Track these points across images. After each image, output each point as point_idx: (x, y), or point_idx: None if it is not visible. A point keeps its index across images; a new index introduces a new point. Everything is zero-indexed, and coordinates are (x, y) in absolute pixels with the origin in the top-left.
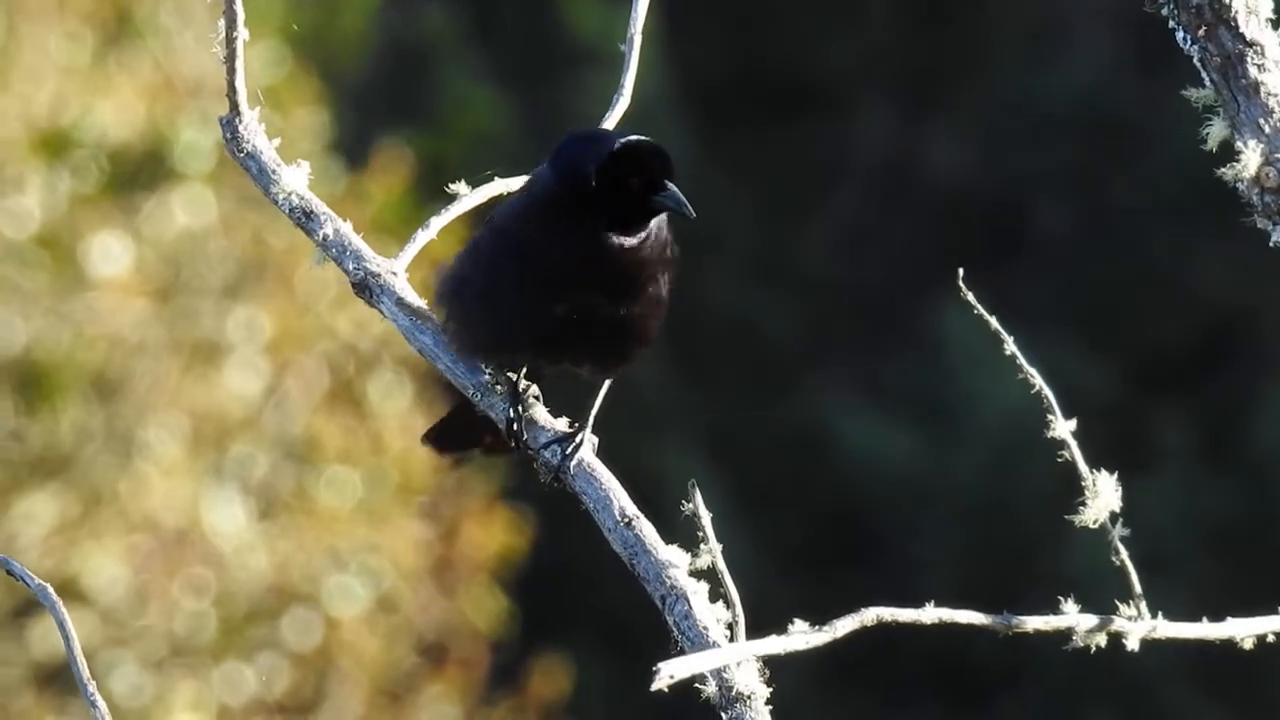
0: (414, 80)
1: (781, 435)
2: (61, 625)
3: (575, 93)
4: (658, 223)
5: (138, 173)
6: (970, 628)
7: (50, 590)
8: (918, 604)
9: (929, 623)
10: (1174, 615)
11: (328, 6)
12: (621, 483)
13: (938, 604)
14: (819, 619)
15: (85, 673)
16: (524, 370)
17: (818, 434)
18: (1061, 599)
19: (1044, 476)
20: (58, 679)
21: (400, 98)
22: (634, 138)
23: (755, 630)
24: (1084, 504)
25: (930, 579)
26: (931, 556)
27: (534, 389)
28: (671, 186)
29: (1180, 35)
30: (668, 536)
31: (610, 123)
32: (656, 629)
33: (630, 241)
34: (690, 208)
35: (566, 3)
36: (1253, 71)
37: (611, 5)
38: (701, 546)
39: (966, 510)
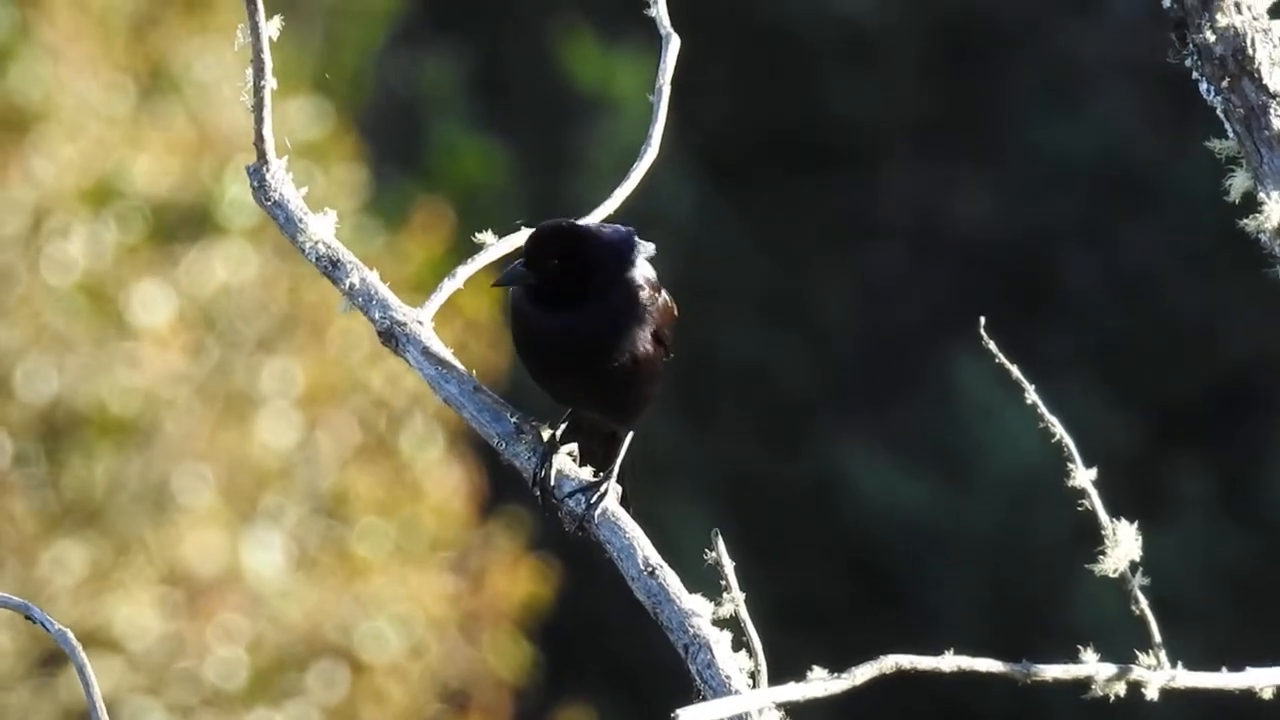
0: (412, 127)
1: (796, 484)
2: (81, 670)
3: (575, 142)
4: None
5: (181, 225)
6: (988, 676)
7: (70, 635)
8: (932, 652)
9: (948, 670)
10: (1191, 665)
11: (331, 44)
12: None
13: (953, 652)
14: (834, 668)
15: (104, 718)
16: (566, 416)
17: (833, 483)
18: (1081, 648)
19: (1059, 526)
20: None
21: (398, 145)
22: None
23: (775, 680)
24: (1103, 553)
25: (945, 627)
26: (946, 605)
27: (557, 433)
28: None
29: (1204, 86)
30: (686, 586)
31: (638, 173)
32: (680, 678)
33: (565, 318)
34: (500, 279)
35: (567, 53)
36: (1276, 123)
37: (611, 54)
38: (724, 595)
39: (981, 559)
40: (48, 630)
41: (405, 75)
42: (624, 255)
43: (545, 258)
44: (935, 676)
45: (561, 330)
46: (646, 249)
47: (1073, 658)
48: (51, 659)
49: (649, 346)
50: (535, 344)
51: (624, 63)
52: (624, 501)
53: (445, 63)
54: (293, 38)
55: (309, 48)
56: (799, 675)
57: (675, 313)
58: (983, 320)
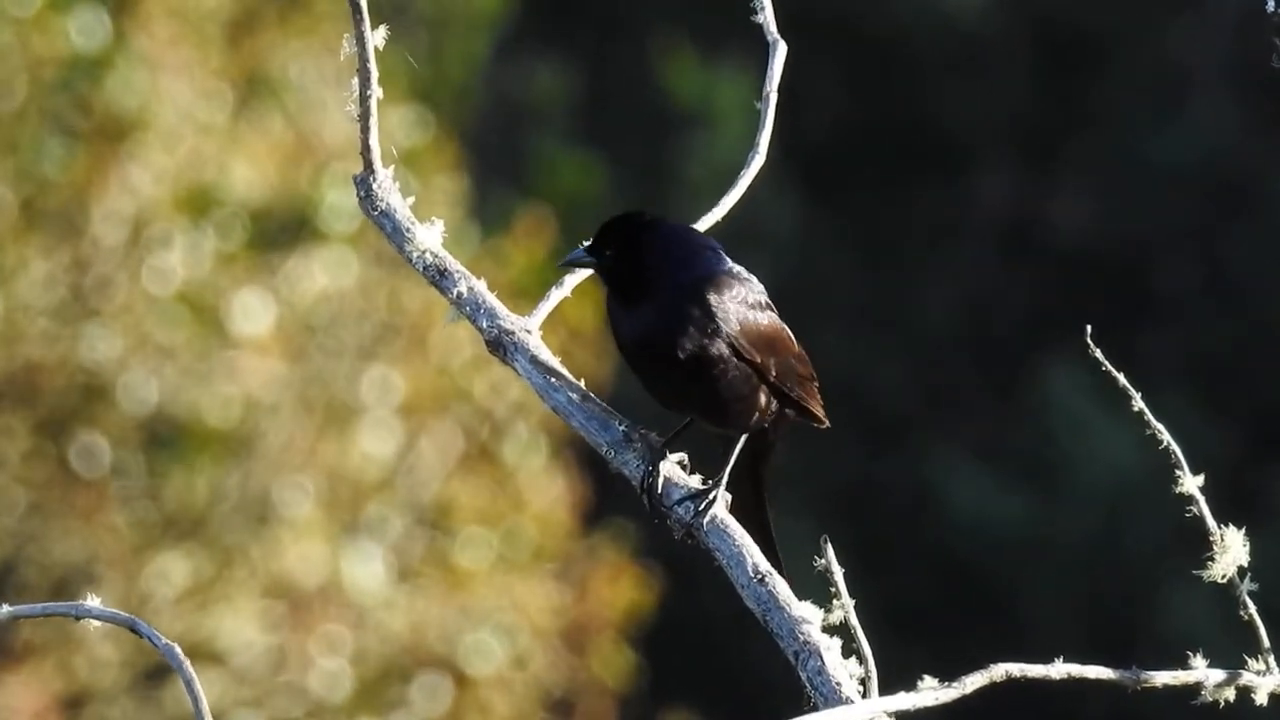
0: (514, 139)
1: (891, 493)
2: (189, 684)
3: (674, 157)
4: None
5: (280, 232)
6: (1097, 683)
7: (177, 650)
8: (1031, 659)
9: (1057, 678)
10: None
11: (436, 58)
12: None
13: (1061, 660)
14: (932, 674)
15: None
16: (682, 425)
17: (929, 491)
18: (1189, 653)
19: (1151, 534)
20: None
21: (500, 155)
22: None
23: (882, 686)
24: (1211, 559)
25: (1040, 634)
26: (1040, 612)
27: (666, 441)
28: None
29: None
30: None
31: (746, 180)
32: (783, 686)
33: (629, 313)
34: (563, 260)
35: (667, 67)
36: None
37: (710, 70)
38: (834, 602)
39: (1075, 567)
40: (155, 645)
41: (508, 87)
42: (690, 258)
43: (604, 246)
44: (1035, 683)
45: (624, 323)
46: (738, 269)
47: (1168, 664)
48: (156, 671)
49: (714, 350)
50: (613, 335)
51: (723, 79)
52: (759, 506)
53: (547, 76)
54: (396, 47)
55: (413, 56)
56: (901, 682)
57: (764, 331)
58: (1089, 329)
